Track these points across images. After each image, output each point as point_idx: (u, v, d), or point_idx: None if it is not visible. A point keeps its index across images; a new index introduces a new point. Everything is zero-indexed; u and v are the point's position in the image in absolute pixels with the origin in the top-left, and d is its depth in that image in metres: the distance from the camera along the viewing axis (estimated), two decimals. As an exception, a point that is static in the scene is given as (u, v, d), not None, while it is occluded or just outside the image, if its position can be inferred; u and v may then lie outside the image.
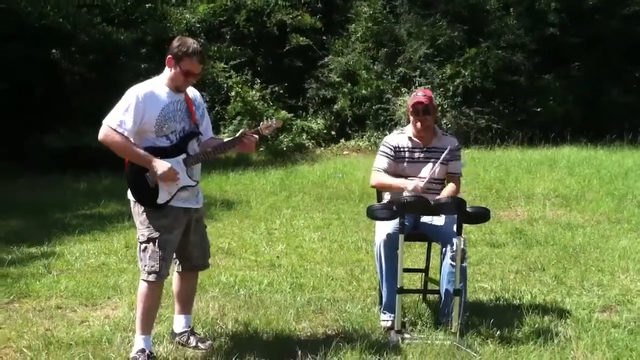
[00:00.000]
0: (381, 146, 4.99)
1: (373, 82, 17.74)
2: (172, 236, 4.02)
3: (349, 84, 18.25)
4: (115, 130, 3.86)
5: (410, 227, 4.73)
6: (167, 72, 4.03)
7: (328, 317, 4.83)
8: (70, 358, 4.10)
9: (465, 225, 4.49)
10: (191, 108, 4.09)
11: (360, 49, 18.57)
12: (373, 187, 5.04)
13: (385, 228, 4.58)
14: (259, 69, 18.60)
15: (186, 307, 4.39)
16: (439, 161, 4.74)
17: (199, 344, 4.23)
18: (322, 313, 4.93)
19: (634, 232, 7.61)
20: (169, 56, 3.98)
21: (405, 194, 4.62)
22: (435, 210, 4.48)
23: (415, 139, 4.89)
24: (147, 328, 4.08)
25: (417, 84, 17.11)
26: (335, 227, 8.12)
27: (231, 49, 18.52)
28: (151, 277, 4.00)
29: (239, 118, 15.91)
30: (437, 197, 4.63)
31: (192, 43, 3.99)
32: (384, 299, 4.64)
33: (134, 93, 3.92)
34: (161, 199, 3.98)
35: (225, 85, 17.22)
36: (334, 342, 4.18)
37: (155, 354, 4.09)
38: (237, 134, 4.20)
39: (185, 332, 4.31)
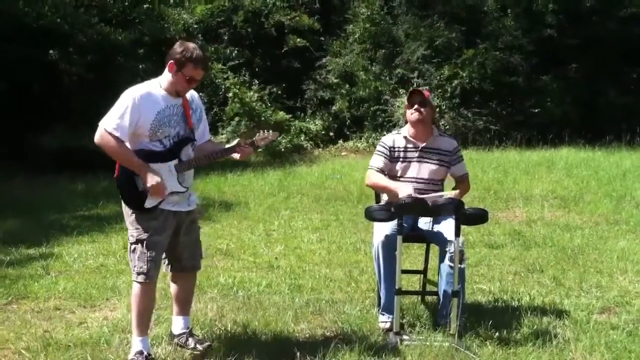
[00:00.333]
0: (378, 146, 4.99)
1: (371, 83, 17.76)
2: (161, 238, 4.01)
3: (347, 85, 18.27)
4: (111, 133, 3.85)
5: (409, 228, 4.73)
6: (167, 76, 3.99)
7: (326, 319, 4.83)
8: (69, 359, 4.09)
9: (463, 227, 4.49)
10: (188, 113, 4.07)
11: (358, 50, 18.59)
12: (368, 186, 5.02)
13: (383, 229, 4.58)
14: (257, 70, 18.62)
15: (184, 308, 4.38)
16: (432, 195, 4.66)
17: (198, 345, 4.21)
18: (321, 314, 4.92)
19: (632, 233, 7.61)
20: (171, 61, 3.94)
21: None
22: (434, 211, 4.48)
23: (411, 138, 4.88)
24: (143, 329, 4.07)
25: (415, 85, 17.11)
26: (333, 228, 8.12)
27: (229, 50, 18.53)
28: (140, 278, 4.00)
29: (237, 119, 15.92)
30: (440, 194, 4.63)
31: (195, 49, 3.96)
32: (382, 301, 4.64)
33: (131, 96, 3.90)
34: (149, 202, 3.96)
35: (223, 87, 17.23)
36: (333, 343, 4.17)
37: (153, 356, 4.08)
38: (233, 143, 4.19)
39: (184, 333, 4.30)
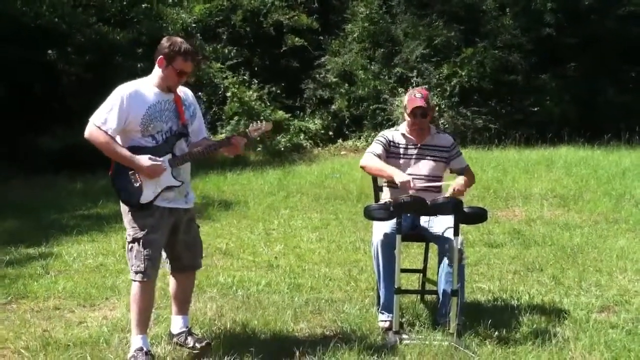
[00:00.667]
0: (378, 135, 5.01)
1: (370, 82, 17.75)
2: (157, 236, 4.01)
3: (346, 84, 18.26)
4: (99, 128, 3.90)
5: (408, 227, 4.74)
6: (158, 72, 4.03)
7: (326, 318, 4.83)
8: (68, 359, 4.10)
9: (462, 226, 4.49)
10: (180, 108, 4.09)
11: (357, 49, 18.57)
12: (363, 167, 4.89)
13: (382, 228, 4.58)
14: (255, 69, 18.59)
15: (183, 307, 4.38)
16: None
17: (197, 344, 4.21)
18: (320, 313, 4.92)
19: (631, 232, 7.62)
20: (160, 56, 3.99)
21: (402, 193, 4.62)
22: (433, 210, 4.48)
23: (409, 136, 4.91)
24: (143, 328, 4.07)
25: (414, 84, 17.11)
26: (333, 228, 8.12)
27: (227, 49, 18.50)
28: (138, 277, 4.01)
29: (236, 118, 15.90)
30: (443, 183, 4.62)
31: (182, 42, 4.01)
32: (381, 300, 4.64)
33: (119, 93, 3.95)
34: (145, 197, 3.98)
35: (222, 86, 17.20)
36: (332, 342, 4.17)
37: (153, 354, 4.08)
38: (224, 137, 4.21)
39: (183, 332, 4.30)
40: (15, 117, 13.13)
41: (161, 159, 3.99)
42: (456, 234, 4.35)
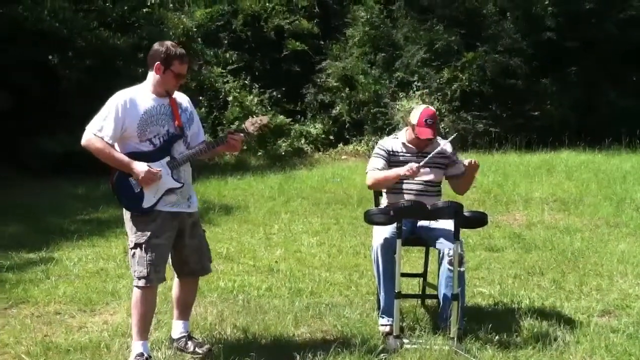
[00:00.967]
0: (375, 149, 4.99)
1: (371, 86, 17.75)
2: (159, 240, 4.01)
3: (347, 89, 18.26)
4: (95, 135, 3.93)
5: (408, 231, 4.74)
6: (155, 78, 4.07)
7: (326, 322, 4.83)
8: (69, 364, 4.10)
9: (463, 230, 4.49)
10: (176, 111, 4.11)
11: (358, 53, 18.59)
12: (370, 187, 4.97)
13: (382, 232, 4.59)
14: (256, 73, 18.60)
15: (184, 312, 4.38)
16: (430, 155, 4.72)
17: (197, 349, 4.22)
18: (321, 318, 4.92)
19: (632, 236, 7.61)
20: (157, 63, 4.02)
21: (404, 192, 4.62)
22: (433, 214, 4.49)
23: (409, 145, 4.89)
24: (143, 334, 4.07)
25: (414, 89, 17.14)
26: (333, 232, 8.12)
27: (228, 54, 18.52)
28: (141, 283, 4.01)
29: (237, 123, 15.90)
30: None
31: (174, 46, 4.08)
32: (382, 304, 4.63)
33: (114, 100, 3.98)
34: (147, 202, 3.99)
35: (223, 90, 17.22)
36: (333, 347, 4.17)
37: (154, 359, 4.08)
38: (222, 134, 4.21)
39: (183, 337, 4.30)
40: (16, 121, 13.14)
41: (159, 162, 4.00)
42: (456, 238, 4.35)
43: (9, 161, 12.97)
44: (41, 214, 9.43)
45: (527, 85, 17.77)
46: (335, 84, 18.40)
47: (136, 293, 4.04)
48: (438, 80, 17.22)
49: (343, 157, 17.07)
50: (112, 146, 3.95)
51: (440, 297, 4.61)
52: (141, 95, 4.04)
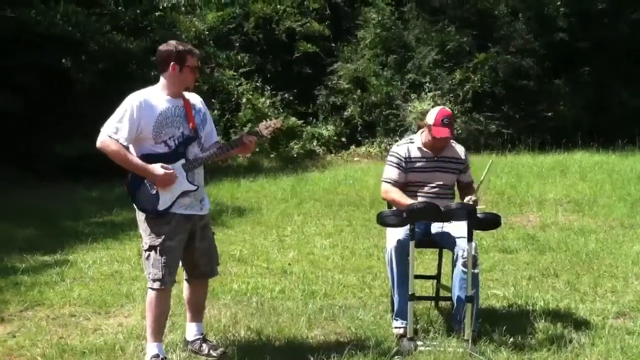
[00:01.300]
0: (390, 156, 4.94)
1: (382, 88, 17.75)
2: (173, 243, 4.03)
3: (359, 91, 18.26)
4: (111, 137, 3.94)
5: (422, 233, 4.73)
6: (172, 78, 4.09)
7: (340, 325, 4.83)
8: (84, 366, 4.12)
9: (476, 232, 4.48)
10: (190, 113, 4.12)
11: (369, 55, 18.59)
12: (384, 199, 5.01)
13: (396, 234, 4.58)
14: (268, 76, 18.63)
15: (197, 314, 4.40)
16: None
17: (212, 352, 4.23)
18: (334, 320, 4.92)
19: (646, 237, 7.57)
20: (172, 63, 4.05)
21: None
22: (446, 216, 4.48)
23: (425, 149, 4.86)
24: (158, 336, 4.10)
25: (426, 90, 17.12)
26: (346, 234, 8.12)
27: (240, 56, 18.56)
28: (156, 285, 4.02)
29: (249, 125, 15.94)
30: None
31: (179, 43, 4.15)
32: (395, 306, 4.62)
33: (129, 101, 3.99)
34: (162, 204, 4.00)
35: (235, 93, 17.26)
36: (346, 349, 4.18)
37: (168, 361, 4.11)
38: (236, 137, 4.24)
39: (198, 339, 4.32)
40: (30, 125, 13.22)
41: (174, 164, 4.02)
42: (470, 240, 4.34)
43: (24, 164, 13.04)
44: (56, 217, 9.48)
45: (540, 86, 17.71)
46: (346, 85, 18.40)
47: (150, 295, 4.06)
48: (450, 82, 17.19)
49: (355, 159, 17.07)
50: (127, 148, 3.96)
51: (454, 299, 4.61)
52: (155, 96, 4.06)
